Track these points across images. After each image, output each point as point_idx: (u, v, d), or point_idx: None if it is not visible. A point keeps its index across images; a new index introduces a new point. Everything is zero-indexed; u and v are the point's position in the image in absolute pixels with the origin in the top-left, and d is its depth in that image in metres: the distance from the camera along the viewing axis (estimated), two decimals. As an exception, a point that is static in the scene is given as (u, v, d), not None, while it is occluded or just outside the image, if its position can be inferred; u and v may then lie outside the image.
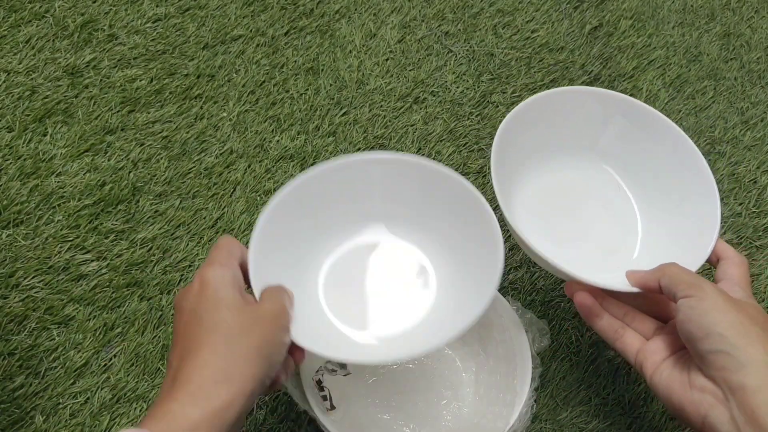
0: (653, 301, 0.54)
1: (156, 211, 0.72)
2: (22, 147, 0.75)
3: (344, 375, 0.60)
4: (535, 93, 0.84)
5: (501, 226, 0.52)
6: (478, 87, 0.84)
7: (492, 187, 0.55)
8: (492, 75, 0.85)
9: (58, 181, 0.73)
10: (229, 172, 0.75)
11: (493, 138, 0.79)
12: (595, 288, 0.53)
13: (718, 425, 0.43)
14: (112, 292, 0.67)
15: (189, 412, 0.40)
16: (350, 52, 0.86)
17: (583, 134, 0.63)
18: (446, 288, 0.57)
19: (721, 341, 0.44)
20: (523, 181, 0.62)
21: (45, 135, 0.76)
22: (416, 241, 0.60)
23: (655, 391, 0.48)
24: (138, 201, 0.73)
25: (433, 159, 0.78)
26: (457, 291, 0.56)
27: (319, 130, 0.80)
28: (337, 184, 0.57)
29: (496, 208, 0.54)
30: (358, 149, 0.79)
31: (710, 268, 0.69)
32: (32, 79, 0.79)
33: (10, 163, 0.73)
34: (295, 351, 0.49)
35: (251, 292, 0.50)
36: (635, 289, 0.52)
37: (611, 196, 0.63)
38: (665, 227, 0.60)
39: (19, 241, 0.69)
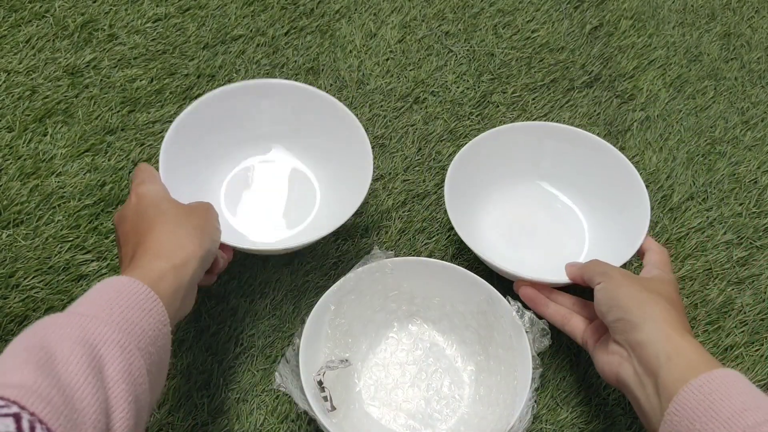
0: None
1: (156, 211, 0.72)
2: (23, 147, 0.75)
3: (345, 367, 0.61)
4: (535, 93, 0.84)
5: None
6: (479, 87, 0.84)
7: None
8: (492, 75, 0.85)
9: (59, 181, 0.73)
10: (229, 172, 0.75)
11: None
12: (541, 284, 0.64)
13: (626, 378, 0.51)
14: (113, 293, 0.67)
15: (156, 265, 0.48)
16: (350, 52, 0.86)
17: (526, 161, 0.74)
18: (327, 190, 0.72)
19: (619, 310, 0.53)
20: (481, 207, 0.73)
21: (45, 135, 0.76)
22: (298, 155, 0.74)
23: (594, 363, 0.57)
24: (138, 201, 0.73)
25: (433, 159, 0.78)
26: (338, 192, 0.70)
27: (319, 130, 0.79)
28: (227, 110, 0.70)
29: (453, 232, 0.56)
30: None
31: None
32: (32, 79, 0.79)
33: (10, 163, 0.73)
34: (222, 248, 0.59)
35: None
36: (567, 282, 0.62)
37: (560, 209, 0.74)
38: (607, 233, 0.70)
39: (20, 242, 0.69)
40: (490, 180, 0.73)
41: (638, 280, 0.56)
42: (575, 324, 0.61)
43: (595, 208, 0.72)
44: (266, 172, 0.73)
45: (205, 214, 0.57)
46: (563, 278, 0.62)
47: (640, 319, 0.51)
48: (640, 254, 0.64)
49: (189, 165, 0.67)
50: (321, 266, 0.70)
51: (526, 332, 0.60)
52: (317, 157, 0.73)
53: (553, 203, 0.74)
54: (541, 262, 0.69)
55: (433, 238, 0.73)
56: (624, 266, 0.62)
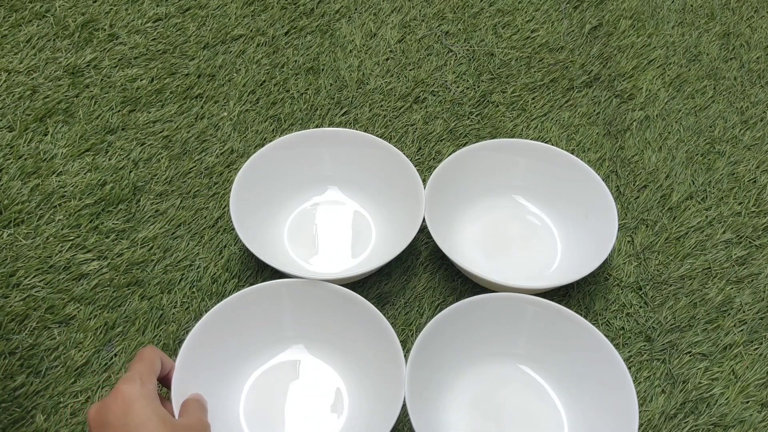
0: None
1: (157, 211, 0.72)
2: (23, 146, 0.75)
3: None
4: (534, 92, 0.84)
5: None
6: (478, 87, 0.84)
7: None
8: (492, 75, 0.85)
9: (59, 181, 0.73)
10: (229, 172, 0.76)
11: (493, 137, 0.80)
12: (519, 290, 0.61)
13: None
14: (113, 292, 0.67)
15: None
16: (350, 51, 0.86)
17: (500, 177, 0.74)
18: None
19: None
20: (460, 221, 0.73)
21: (46, 134, 0.76)
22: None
23: None
24: (139, 200, 0.73)
25: (433, 159, 0.78)
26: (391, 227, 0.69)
27: (319, 129, 0.80)
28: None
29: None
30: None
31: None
32: (33, 78, 0.79)
33: (11, 162, 0.74)
34: None
35: (167, 395, 0.54)
36: (542, 287, 0.60)
37: (532, 220, 0.74)
38: (577, 240, 0.71)
39: (20, 241, 0.69)
40: (467, 195, 0.73)
41: None
42: None
43: (564, 218, 0.73)
44: (327, 212, 0.73)
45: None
46: (538, 284, 0.64)
47: None
48: None
49: (258, 200, 0.70)
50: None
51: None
52: (371, 196, 0.74)
53: (526, 215, 0.74)
54: (516, 269, 0.70)
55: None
56: (593, 274, 0.64)
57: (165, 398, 0.54)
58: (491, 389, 0.63)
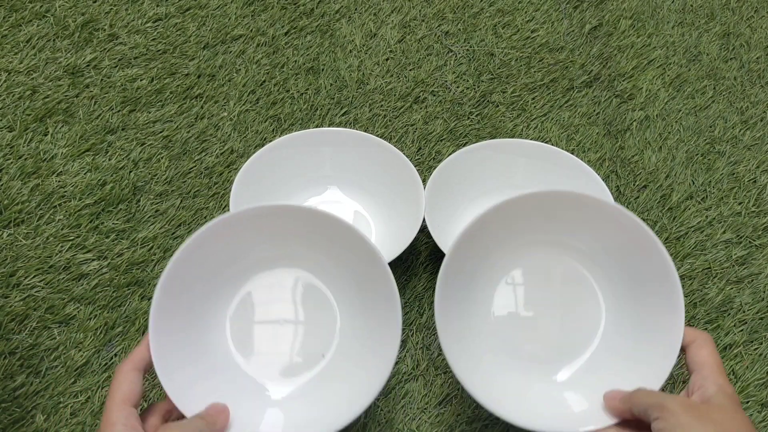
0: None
1: (157, 211, 0.72)
2: (23, 146, 0.75)
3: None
4: (534, 92, 0.84)
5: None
6: (478, 87, 0.84)
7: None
8: (492, 75, 0.85)
9: (59, 181, 0.73)
10: (229, 172, 0.76)
11: (492, 137, 0.80)
12: None
13: None
14: (113, 292, 0.67)
15: None
16: (350, 51, 0.86)
17: (499, 177, 0.71)
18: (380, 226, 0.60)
19: None
20: (460, 221, 0.70)
21: (46, 134, 0.76)
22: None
23: None
24: (139, 200, 0.73)
25: (433, 159, 0.78)
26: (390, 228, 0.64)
27: (319, 129, 0.80)
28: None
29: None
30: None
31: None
32: (33, 78, 0.79)
33: (11, 162, 0.74)
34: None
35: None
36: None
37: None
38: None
39: (20, 241, 0.69)
40: (467, 195, 0.74)
41: (705, 414, 0.47)
42: None
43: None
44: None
45: None
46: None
47: None
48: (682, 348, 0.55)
49: (258, 200, 0.68)
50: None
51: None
52: (372, 196, 0.74)
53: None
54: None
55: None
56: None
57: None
58: (533, 273, 0.62)
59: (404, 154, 0.70)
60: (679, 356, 0.53)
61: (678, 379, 0.65)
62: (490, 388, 0.56)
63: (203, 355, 0.56)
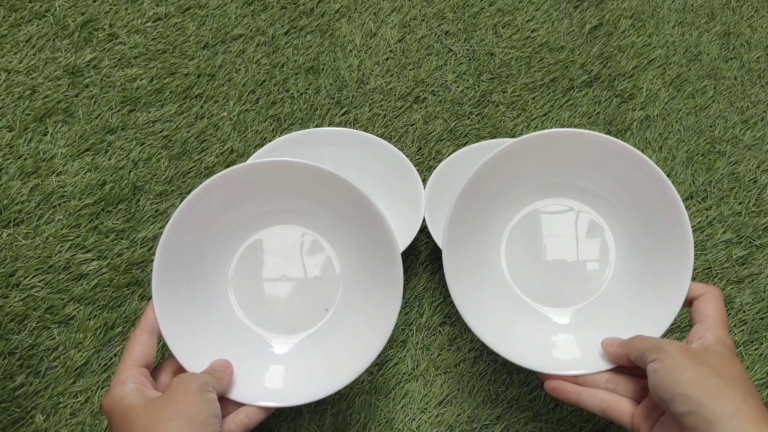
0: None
1: (156, 211, 0.72)
2: (23, 146, 0.75)
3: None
4: (534, 92, 0.84)
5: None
6: (478, 86, 0.84)
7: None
8: (492, 74, 0.85)
9: (59, 181, 0.73)
10: (229, 172, 0.76)
11: (493, 137, 0.79)
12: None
13: None
14: (113, 292, 0.67)
15: None
16: (350, 51, 0.86)
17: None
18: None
19: (686, 401, 0.45)
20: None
21: (45, 134, 0.76)
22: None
23: None
24: (138, 200, 0.73)
25: (433, 159, 0.78)
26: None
27: (319, 129, 0.80)
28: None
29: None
30: (359, 149, 0.79)
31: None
32: (33, 78, 0.79)
33: (11, 162, 0.74)
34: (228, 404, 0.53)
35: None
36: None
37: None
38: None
39: (20, 241, 0.69)
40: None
41: (701, 358, 0.47)
42: (620, 409, 0.52)
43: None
44: None
45: (182, 398, 0.48)
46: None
47: (715, 415, 0.44)
48: (685, 303, 0.56)
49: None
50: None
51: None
52: (372, 196, 0.74)
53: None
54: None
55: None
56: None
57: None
58: (544, 217, 0.62)
59: (404, 154, 0.70)
60: (683, 309, 0.54)
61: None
62: (487, 320, 0.58)
63: (207, 313, 0.57)
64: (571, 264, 0.61)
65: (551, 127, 0.81)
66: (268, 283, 0.60)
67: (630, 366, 0.52)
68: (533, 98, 0.84)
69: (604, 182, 0.60)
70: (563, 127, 0.81)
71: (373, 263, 0.57)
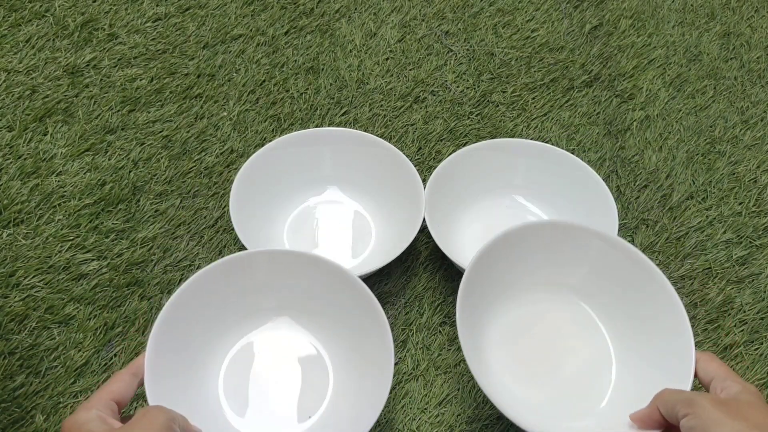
0: None
1: (156, 211, 0.72)
2: (23, 146, 0.75)
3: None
4: (534, 92, 0.84)
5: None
6: (478, 86, 0.84)
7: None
8: (492, 74, 0.85)
9: (59, 181, 0.73)
10: (229, 172, 0.76)
11: (493, 137, 0.80)
12: None
13: None
14: (113, 292, 0.67)
15: None
16: (350, 51, 0.86)
17: (500, 176, 0.72)
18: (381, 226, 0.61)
19: None
20: (460, 220, 0.71)
21: (45, 134, 0.76)
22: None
23: None
24: (138, 200, 0.73)
25: (433, 159, 0.78)
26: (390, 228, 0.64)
27: (319, 129, 0.80)
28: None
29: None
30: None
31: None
32: (32, 78, 0.79)
33: (11, 162, 0.74)
34: None
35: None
36: None
37: (532, 219, 0.70)
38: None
39: (20, 241, 0.69)
40: (467, 195, 0.73)
41: (736, 411, 0.45)
42: None
43: (564, 217, 0.73)
44: (326, 211, 0.74)
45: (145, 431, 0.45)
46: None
47: None
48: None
49: (258, 200, 0.69)
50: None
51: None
52: (372, 196, 0.74)
53: (526, 215, 0.74)
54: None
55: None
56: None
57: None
58: (538, 316, 0.61)
59: (404, 154, 0.70)
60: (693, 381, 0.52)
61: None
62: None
63: (194, 394, 0.56)
64: (574, 368, 0.60)
65: (551, 128, 0.81)
66: (257, 382, 0.59)
67: (664, 425, 0.50)
68: (533, 98, 0.84)
69: (591, 274, 0.61)
70: (563, 127, 0.81)
71: (365, 381, 0.57)
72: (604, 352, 0.60)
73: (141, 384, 0.51)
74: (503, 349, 0.60)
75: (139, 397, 0.61)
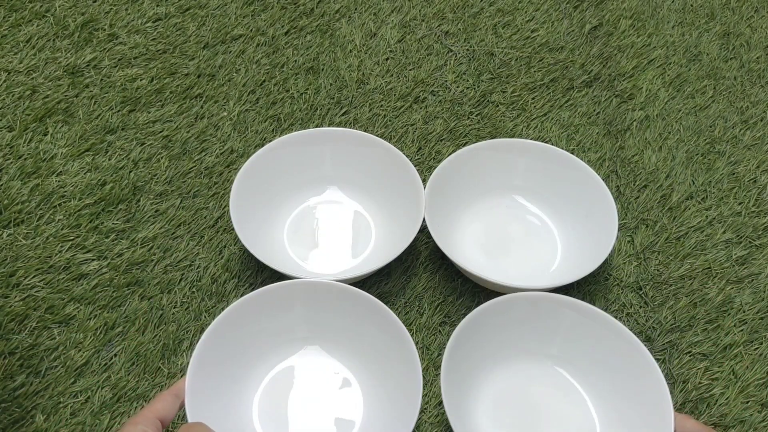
0: None
1: (156, 211, 0.72)
2: (23, 146, 0.75)
3: None
4: (534, 92, 0.84)
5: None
6: (478, 86, 0.84)
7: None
8: (492, 74, 0.85)
9: (59, 181, 0.73)
10: (229, 172, 0.76)
11: (492, 137, 0.80)
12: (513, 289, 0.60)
13: None
14: (113, 292, 0.67)
15: None
16: (350, 51, 0.86)
17: (500, 176, 0.74)
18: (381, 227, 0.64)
19: None
20: (460, 221, 0.73)
21: (45, 134, 0.76)
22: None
23: None
24: (139, 200, 0.73)
25: (433, 159, 0.78)
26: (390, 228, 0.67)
27: (319, 129, 0.80)
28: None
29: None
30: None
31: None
32: (33, 78, 0.79)
33: (11, 162, 0.74)
34: None
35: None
36: (542, 287, 0.57)
37: (532, 219, 0.74)
38: (576, 239, 0.71)
39: (20, 241, 0.69)
40: (467, 195, 0.74)
41: None
42: None
43: (564, 218, 0.73)
44: (326, 211, 0.74)
45: None
46: (538, 284, 0.63)
47: None
48: None
49: (258, 200, 0.70)
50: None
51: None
52: (372, 196, 0.74)
53: (526, 215, 0.74)
54: (516, 269, 0.70)
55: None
56: (593, 274, 0.64)
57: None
58: (522, 388, 0.62)
59: (404, 154, 0.70)
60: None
61: None
62: None
63: (229, 420, 0.57)
64: None
65: (551, 128, 0.81)
66: (290, 408, 0.61)
67: None
68: (533, 98, 0.84)
69: (570, 346, 0.62)
70: (563, 127, 0.81)
71: (394, 407, 0.58)
72: (589, 419, 0.61)
73: (182, 406, 0.54)
74: (490, 420, 0.61)
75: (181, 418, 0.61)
